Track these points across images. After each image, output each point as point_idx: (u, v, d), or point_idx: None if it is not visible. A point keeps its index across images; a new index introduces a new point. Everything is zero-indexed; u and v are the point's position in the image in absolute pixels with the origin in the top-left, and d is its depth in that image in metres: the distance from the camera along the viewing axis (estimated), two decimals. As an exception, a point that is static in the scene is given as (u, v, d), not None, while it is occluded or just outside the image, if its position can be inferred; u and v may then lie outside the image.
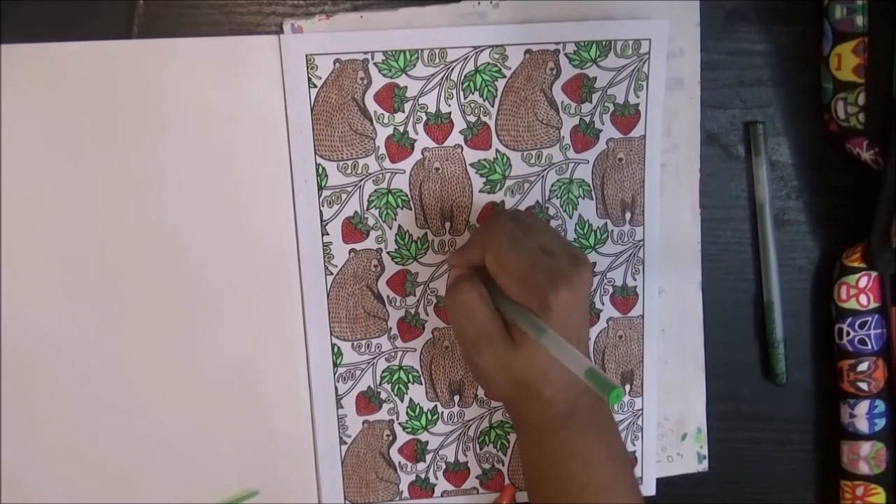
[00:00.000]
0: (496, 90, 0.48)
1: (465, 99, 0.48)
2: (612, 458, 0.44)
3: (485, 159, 0.49)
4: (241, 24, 0.47)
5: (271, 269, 0.49)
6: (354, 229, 0.49)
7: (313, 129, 0.48)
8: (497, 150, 0.49)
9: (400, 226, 0.49)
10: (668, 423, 0.53)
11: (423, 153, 0.49)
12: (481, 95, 0.48)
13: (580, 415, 0.43)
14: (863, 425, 0.51)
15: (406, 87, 0.48)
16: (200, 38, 0.46)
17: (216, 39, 0.46)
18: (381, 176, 0.49)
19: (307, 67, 0.47)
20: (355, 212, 0.49)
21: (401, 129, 0.48)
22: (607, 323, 0.52)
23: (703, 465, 0.54)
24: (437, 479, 0.53)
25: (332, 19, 0.47)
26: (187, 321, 0.49)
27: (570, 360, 0.37)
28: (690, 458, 0.54)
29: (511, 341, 0.42)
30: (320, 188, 0.48)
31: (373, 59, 0.47)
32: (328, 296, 0.50)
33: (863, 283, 0.51)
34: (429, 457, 0.53)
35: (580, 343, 0.43)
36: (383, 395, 0.51)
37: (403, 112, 0.48)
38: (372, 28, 0.47)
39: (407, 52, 0.47)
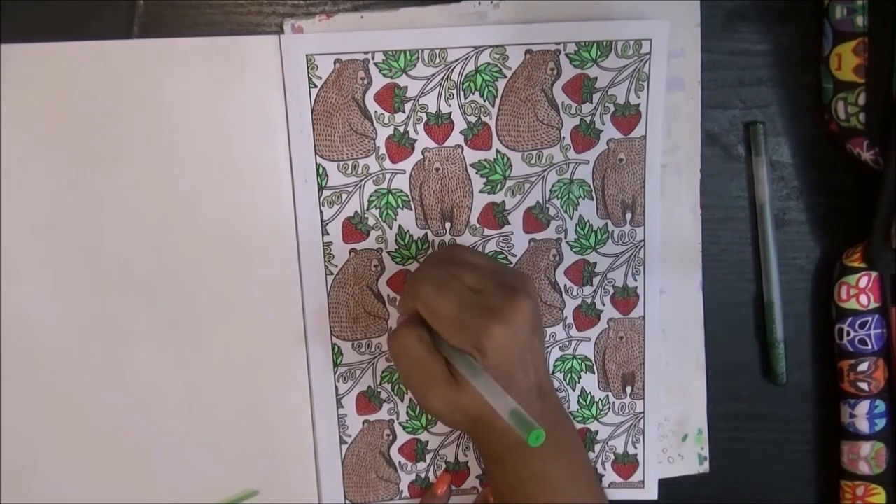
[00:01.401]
0: (497, 90, 0.48)
1: (465, 99, 0.48)
2: (576, 477, 0.45)
3: (485, 159, 0.49)
4: (241, 24, 0.47)
5: (272, 270, 0.49)
6: (355, 229, 0.49)
7: (313, 129, 0.48)
8: (497, 151, 0.49)
9: (400, 226, 0.49)
10: (669, 424, 0.53)
11: (423, 153, 0.49)
12: (482, 95, 0.48)
13: None
14: (863, 425, 0.51)
15: (406, 88, 0.47)
16: (200, 38, 0.46)
17: (216, 39, 0.46)
18: (381, 176, 0.49)
19: (307, 67, 0.47)
20: (356, 212, 0.49)
21: (401, 129, 0.48)
22: (608, 324, 0.52)
23: (704, 467, 0.54)
24: (437, 478, 0.53)
25: (332, 19, 0.47)
26: (187, 321, 0.49)
27: (497, 400, 0.37)
28: (691, 459, 0.54)
29: (454, 381, 0.43)
30: (320, 188, 0.48)
31: (373, 59, 0.47)
32: (328, 296, 0.50)
33: (863, 283, 0.51)
34: (429, 456, 0.53)
35: (527, 372, 0.43)
36: (383, 395, 0.51)
37: (404, 112, 0.48)
38: (372, 28, 0.47)
39: (407, 52, 0.47)
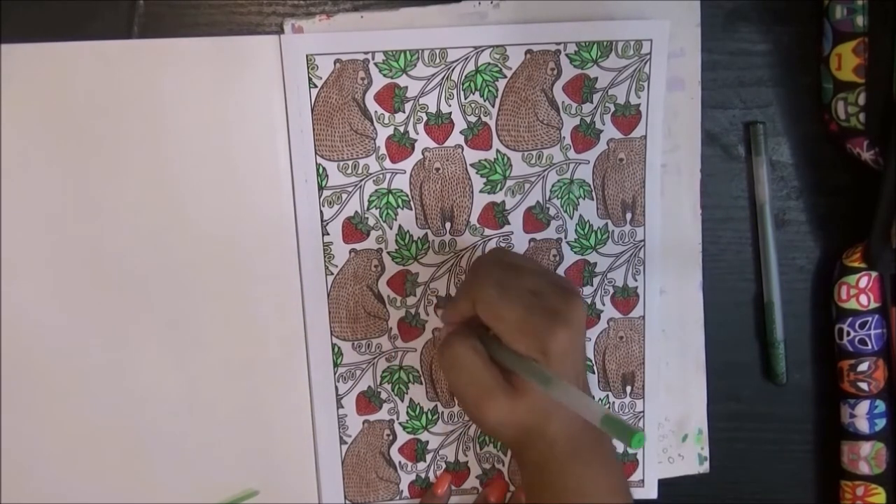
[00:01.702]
0: (497, 90, 0.48)
1: (465, 99, 0.48)
2: (614, 491, 0.44)
3: (485, 159, 0.49)
4: (241, 24, 0.47)
5: (272, 269, 0.49)
6: (355, 229, 0.49)
7: (314, 129, 0.48)
8: (497, 151, 0.49)
9: (400, 226, 0.49)
10: (669, 424, 0.53)
11: (423, 153, 0.49)
12: (482, 95, 0.48)
13: (584, 450, 0.43)
14: (863, 425, 0.51)
15: (406, 88, 0.47)
16: (200, 38, 0.46)
17: (216, 39, 0.46)
18: (381, 176, 0.49)
19: (307, 67, 0.47)
20: (356, 212, 0.49)
21: (401, 129, 0.48)
22: (608, 324, 0.52)
23: (704, 467, 0.54)
24: (437, 478, 0.53)
25: (332, 19, 0.47)
26: (187, 321, 0.49)
27: (583, 407, 0.36)
28: (691, 459, 0.54)
29: (512, 390, 0.41)
30: (321, 188, 0.48)
31: (373, 59, 0.47)
32: (328, 296, 0.50)
33: (863, 283, 0.51)
34: (429, 456, 0.53)
35: (579, 380, 0.42)
36: (384, 395, 0.51)
37: (404, 112, 0.48)
38: (372, 28, 0.47)
39: (407, 52, 0.47)
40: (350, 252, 0.49)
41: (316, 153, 0.48)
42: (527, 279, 0.42)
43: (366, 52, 0.47)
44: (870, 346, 0.51)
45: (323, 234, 0.49)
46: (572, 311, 0.41)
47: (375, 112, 0.48)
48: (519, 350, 0.40)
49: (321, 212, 0.49)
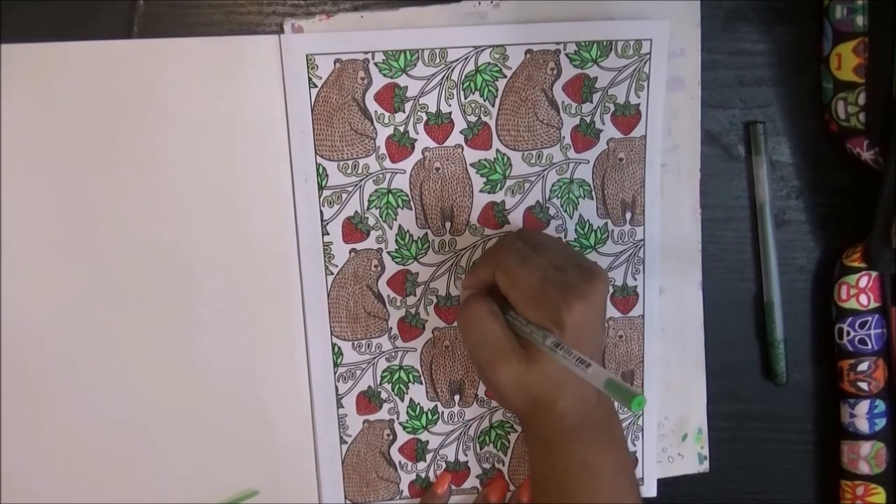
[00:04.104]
0: (497, 90, 0.48)
1: (465, 99, 0.48)
2: (620, 472, 0.44)
3: (485, 159, 0.49)
4: (241, 24, 0.47)
5: (272, 269, 0.49)
6: (355, 229, 0.49)
7: (314, 129, 0.48)
8: (497, 150, 0.49)
9: (400, 226, 0.49)
10: (669, 424, 0.53)
11: (423, 153, 0.49)
12: (482, 95, 0.48)
13: (592, 428, 0.43)
14: (863, 425, 0.51)
15: (406, 87, 0.48)
16: (200, 38, 0.46)
17: (216, 39, 0.46)
18: (381, 176, 0.49)
19: (307, 67, 0.47)
20: (356, 212, 0.49)
21: (401, 128, 0.48)
22: (608, 323, 0.52)
23: (704, 466, 0.54)
24: (437, 478, 0.53)
25: (332, 19, 0.47)
26: (187, 321, 0.49)
27: (587, 372, 0.37)
28: (691, 458, 0.54)
29: (525, 356, 0.42)
30: (321, 188, 0.48)
31: (373, 58, 0.47)
32: (328, 296, 0.50)
33: (863, 282, 0.51)
34: (429, 456, 0.53)
35: (594, 356, 0.42)
36: (384, 395, 0.51)
37: (404, 112, 0.48)
38: (372, 28, 0.47)
39: (407, 52, 0.47)
40: (350, 252, 0.49)
41: (316, 153, 0.48)
42: (550, 254, 0.43)
43: (366, 52, 0.47)
44: (870, 346, 0.51)
45: (323, 234, 0.49)
46: (592, 288, 0.42)
47: (375, 112, 0.48)
48: (530, 318, 0.42)
49: (321, 212, 0.49)
